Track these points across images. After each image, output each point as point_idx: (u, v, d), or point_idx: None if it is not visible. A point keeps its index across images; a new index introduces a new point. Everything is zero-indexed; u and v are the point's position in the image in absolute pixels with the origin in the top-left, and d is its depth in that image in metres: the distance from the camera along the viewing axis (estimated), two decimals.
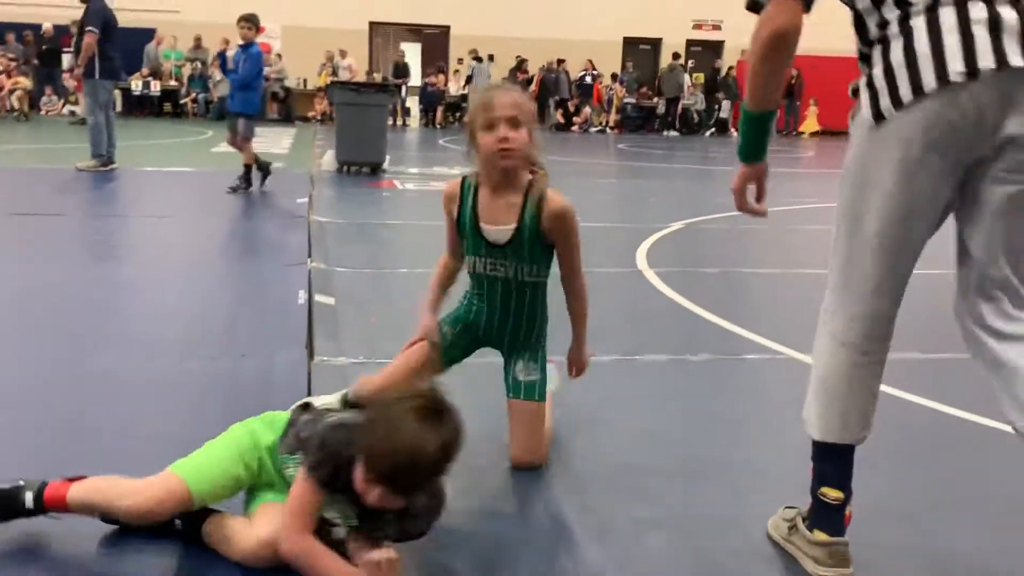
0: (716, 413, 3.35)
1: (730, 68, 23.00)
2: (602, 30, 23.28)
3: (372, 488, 1.94)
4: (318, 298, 4.64)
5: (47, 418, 2.98)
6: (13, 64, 19.19)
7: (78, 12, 10.11)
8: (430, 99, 21.74)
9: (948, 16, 1.85)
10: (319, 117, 20.77)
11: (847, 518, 2.19)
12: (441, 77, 21.74)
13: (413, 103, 22.02)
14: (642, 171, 14.00)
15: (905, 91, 1.89)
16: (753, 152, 2.17)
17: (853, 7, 2.01)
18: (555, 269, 2.80)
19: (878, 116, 1.94)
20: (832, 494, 2.16)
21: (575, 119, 22.29)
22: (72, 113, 18.74)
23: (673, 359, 3.97)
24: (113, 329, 4.07)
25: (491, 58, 21.79)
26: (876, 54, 1.96)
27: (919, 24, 1.88)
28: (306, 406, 2.21)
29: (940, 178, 1.94)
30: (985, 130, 1.87)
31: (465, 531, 2.37)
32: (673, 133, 22.36)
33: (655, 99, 23.17)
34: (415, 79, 22.25)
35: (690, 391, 3.62)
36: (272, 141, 14.16)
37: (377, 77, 20.88)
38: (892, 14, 1.92)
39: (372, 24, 23.29)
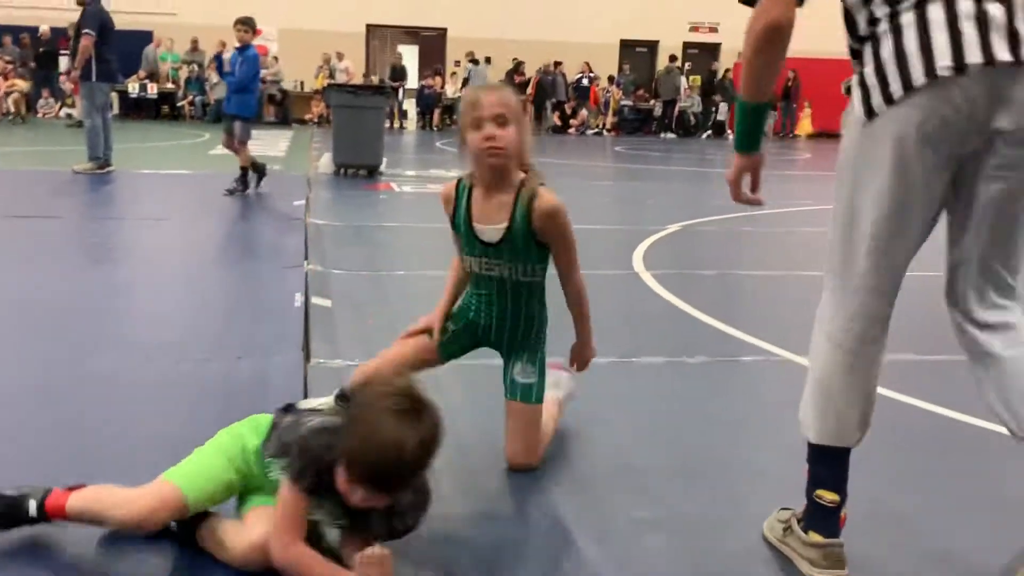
0: (713, 415, 3.36)
1: (727, 71, 23.03)
2: (599, 32, 23.30)
3: (355, 489, 1.94)
4: (315, 300, 4.64)
5: (45, 419, 2.98)
6: (10, 66, 19.18)
7: (75, 15, 10.11)
8: (427, 101, 21.73)
9: (936, 12, 1.87)
10: (316, 120, 20.74)
11: (842, 520, 2.19)
12: (438, 79, 21.73)
13: (410, 105, 22.00)
14: (639, 173, 14.00)
15: (896, 87, 1.90)
16: (748, 143, 2.19)
17: (843, 2, 2.02)
18: (555, 269, 2.80)
19: (870, 113, 1.96)
20: (827, 496, 2.17)
21: (572, 121, 22.30)
22: (69, 116, 18.71)
23: (670, 361, 3.97)
24: (110, 331, 4.07)
25: (488, 60, 21.81)
26: (867, 52, 1.98)
27: (908, 20, 1.89)
28: (288, 408, 2.21)
29: (934, 173, 1.96)
30: (977, 124, 1.89)
31: (465, 532, 2.38)
32: (670, 135, 22.39)
33: (652, 101, 23.21)
34: (412, 81, 22.25)
35: (687, 393, 3.63)
36: (269, 144, 14.15)
37: (374, 79, 20.87)
38: (881, 11, 1.94)
39: (369, 27, 23.31)
